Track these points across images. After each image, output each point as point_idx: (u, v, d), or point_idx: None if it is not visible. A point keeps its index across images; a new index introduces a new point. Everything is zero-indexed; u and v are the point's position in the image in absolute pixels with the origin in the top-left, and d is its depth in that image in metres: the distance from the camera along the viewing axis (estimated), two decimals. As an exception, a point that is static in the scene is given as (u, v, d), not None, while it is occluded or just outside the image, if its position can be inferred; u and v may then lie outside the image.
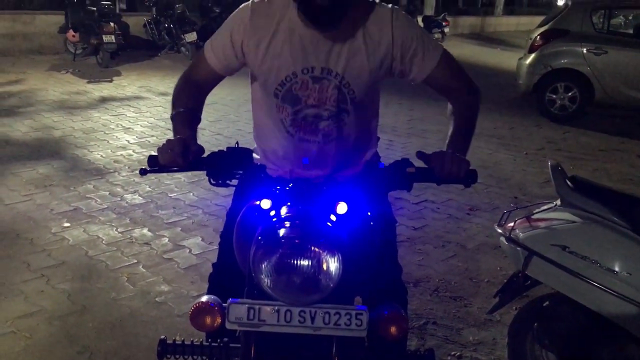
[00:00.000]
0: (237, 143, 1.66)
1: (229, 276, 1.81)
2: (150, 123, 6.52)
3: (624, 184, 5.33)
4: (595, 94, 7.71)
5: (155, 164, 1.56)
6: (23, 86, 8.06)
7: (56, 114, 6.66)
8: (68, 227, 3.80)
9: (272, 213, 1.44)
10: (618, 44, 7.79)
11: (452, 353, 2.70)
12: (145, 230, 3.82)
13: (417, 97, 7.90)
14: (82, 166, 4.98)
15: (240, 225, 1.63)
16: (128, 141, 5.79)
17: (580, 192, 2.28)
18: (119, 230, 3.80)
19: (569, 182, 2.31)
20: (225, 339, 1.56)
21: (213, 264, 2.02)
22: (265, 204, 1.46)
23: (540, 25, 8.63)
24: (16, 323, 2.74)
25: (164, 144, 1.55)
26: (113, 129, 6.21)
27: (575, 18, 7.99)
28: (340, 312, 1.36)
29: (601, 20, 8.93)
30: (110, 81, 8.87)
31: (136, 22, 12.29)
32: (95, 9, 9.97)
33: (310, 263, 1.32)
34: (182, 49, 11.52)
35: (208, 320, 1.42)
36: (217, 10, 12.91)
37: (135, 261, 3.41)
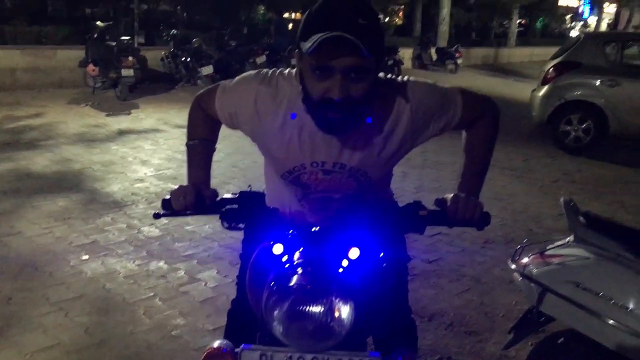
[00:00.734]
0: (249, 187, 1.69)
1: (244, 318, 1.80)
2: (168, 155, 6.63)
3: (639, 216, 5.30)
4: (610, 125, 7.72)
5: (169, 208, 1.59)
6: (43, 119, 8.24)
7: (76, 146, 6.80)
8: (86, 259, 3.86)
9: (285, 258, 1.44)
10: (631, 76, 7.82)
11: (467, 389, 2.69)
12: (161, 263, 3.87)
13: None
14: (101, 199, 5.07)
15: (253, 269, 1.64)
16: (145, 174, 5.88)
17: (593, 229, 2.30)
18: (136, 262, 3.86)
19: (581, 219, 2.33)
20: None
21: (232, 301, 2.03)
22: (278, 249, 1.46)
23: (553, 58, 8.70)
24: (35, 356, 2.78)
25: (176, 190, 1.58)
26: (131, 161, 6.32)
27: (588, 50, 8.05)
28: (354, 358, 1.35)
29: (614, 52, 8.97)
30: (129, 114, 9.04)
31: (154, 56, 12.55)
32: (114, 43, 10.20)
33: (322, 310, 1.31)
34: (199, 81, 11.72)
35: None
36: (233, 44, 13.16)
37: (152, 294, 3.45)
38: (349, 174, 1.65)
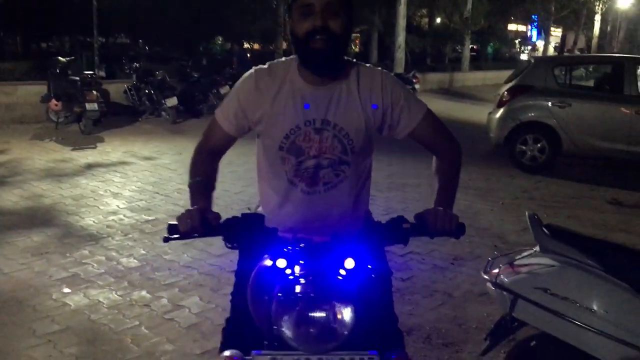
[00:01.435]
0: (248, 209, 1.85)
1: (243, 330, 1.95)
2: (138, 187, 6.68)
3: (595, 229, 5.61)
4: (563, 144, 8.14)
5: (175, 232, 1.72)
6: (8, 156, 8.18)
7: (44, 182, 6.79)
8: (68, 292, 3.90)
9: (288, 271, 1.60)
10: (580, 97, 8.30)
11: (449, 396, 2.85)
12: (144, 292, 3.94)
13: (394, 153, 8.19)
14: (76, 232, 5.10)
15: (255, 284, 1.80)
16: (118, 206, 5.93)
17: (556, 239, 2.51)
18: (118, 293, 3.92)
19: (545, 230, 2.55)
20: None
21: (226, 319, 2.16)
22: (281, 263, 1.61)
23: (507, 81, 9.14)
24: (28, 388, 2.82)
25: (183, 214, 1.72)
26: (102, 194, 6.35)
27: (538, 74, 8.50)
28: (355, 357, 1.50)
29: (563, 74, 9.47)
30: (95, 147, 9.04)
31: (116, 89, 12.57)
32: (78, 78, 10.21)
33: (326, 314, 1.49)
34: (163, 113, 11.79)
35: None
36: (196, 76, 13.30)
37: (138, 323, 3.52)
38: (334, 133, 1.91)
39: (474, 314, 3.76)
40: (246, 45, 27.13)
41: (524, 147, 8.36)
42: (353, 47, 29.75)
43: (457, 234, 1.78)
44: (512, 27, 41.58)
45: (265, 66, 1.97)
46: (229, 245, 1.79)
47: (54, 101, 10.22)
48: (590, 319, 2.26)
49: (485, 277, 2.62)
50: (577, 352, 2.30)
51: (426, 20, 32.25)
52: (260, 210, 2.11)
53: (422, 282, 4.25)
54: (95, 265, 4.39)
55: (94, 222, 5.40)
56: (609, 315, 2.25)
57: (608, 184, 7.60)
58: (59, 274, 4.19)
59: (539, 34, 41.18)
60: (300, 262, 1.62)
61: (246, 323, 1.89)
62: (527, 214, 2.65)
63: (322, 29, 1.77)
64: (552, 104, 8.15)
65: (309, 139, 1.92)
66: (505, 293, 2.48)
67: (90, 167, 7.70)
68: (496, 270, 2.59)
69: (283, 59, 2.00)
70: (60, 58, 11.08)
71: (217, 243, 4.81)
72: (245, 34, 23.69)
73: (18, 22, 18.42)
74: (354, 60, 2.01)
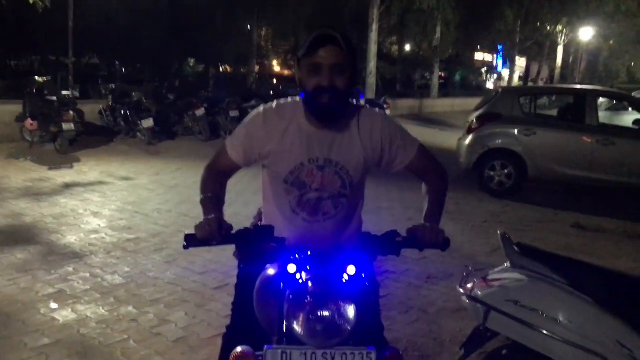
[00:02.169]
0: (259, 222, 2.04)
1: (247, 332, 2.13)
2: (118, 207, 6.77)
3: (560, 251, 5.89)
4: (528, 170, 8.50)
5: (192, 240, 1.91)
6: (-16, 174, 8.18)
7: (23, 200, 6.83)
8: (56, 308, 3.99)
9: (298, 276, 1.81)
10: (545, 126, 8.70)
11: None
12: (130, 308, 4.06)
13: (368, 179, 8.44)
14: (59, 250, 5.18)
15: (261, 290, 2.02)
16: (99, 225, 6.01)
17: (526, 256, 2.76)
18: (105, 309, 4.02)
19: (516, 248, 2.80)
20: None
21: (227, 326, 2.35)
22: (292, 268, 1.82)
23: (476, 109, 9.51)
24: (24, 397, 2.92)
25: (202, 223, 1.91)
26: (82, 213, 6.43)
27: (505, 103, 8.89)
28: (355, 352, 1.72)
29: (528, 104, 9.91)
30: (71, 167, 9.08)
31: (90, 110, 12.63)
32: (55, 98, 10.26)
33: (332, 313, 1.71)
34: (139, 134, 11.89)
35: None
36: (172, 97, 13.43)
37: (126, 337, 3.64)
38: (335, 170, 2.11)
39: (448, 328, 3.97)
40: (220, 69, 27.38)
41: (492, 173, 8.69)
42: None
43: (443, 247, 2.00)
44: (479, 56, 42.77)
45: (274, 106, 2.15)
46: (237, 256, 1.99)
47: (29, 120, 10.23)
48: (556, 328, 2.49)
49: (461, 290, 2.85)
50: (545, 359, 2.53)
51: (396, 47, 32.99)
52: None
53: (398, 299, 4.45)
54: (80, 281, 4.48)
55: (75, 240, 5.48)
56: (573, 325, 2.48)
57: (571, 209, 7.96)
58: (45, 290, 4.28)
59: (504, 63, 42.42)
60: (307, 267, 1.83)
61: (250, 325, 2.09)
62: (499, 233, 2.89)
63: (328, 87, 1.97)
64: (518, 131, 8.52)
65: (312, 174, 2.12)
66: (479, 305, 2.71)
67: (68, 186, 7.75)
68: (470, 285, 2.82)
69: (290, 99, 2.18)
70: (37, 78, 11.16)
71: (199, 261, 4.97)
72: (219, 56, 23.91)
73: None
74: (355, 102, 2.22)
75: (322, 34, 1.95)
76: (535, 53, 35.98)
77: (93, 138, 11.71)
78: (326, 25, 2.10)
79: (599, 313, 2.49)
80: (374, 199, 7.63)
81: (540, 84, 35.23)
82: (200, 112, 12.50)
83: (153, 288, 4.43)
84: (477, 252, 5.73)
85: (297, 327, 1.71)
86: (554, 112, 11.76)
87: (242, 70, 26.76)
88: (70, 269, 4.73)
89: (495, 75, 46.27)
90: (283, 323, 1.77)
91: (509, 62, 34.95)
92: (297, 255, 1.86)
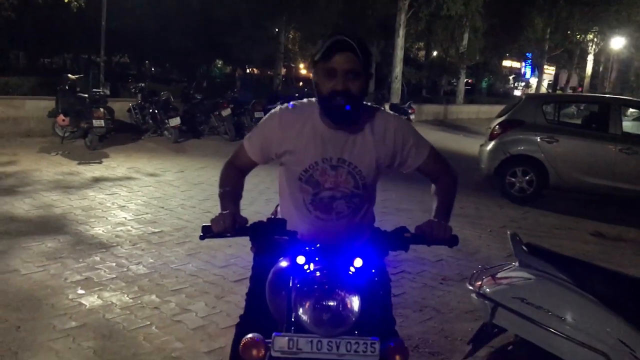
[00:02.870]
0: (273, 215, 2.16)
1: (260, 321, 2.24)
2: (144, 201, 6.98)
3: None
4: (550, 178, 8.50)
5: (208, 232, 2.02)
6: (17, 167, 8.47)
7: (54, 193, 7.08)
8: (83, 293, 4.18)
9: (306, 267, 1.90)
10: (568, 134, 8.68)
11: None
12: (153, 297, 4.22)
13: (390, 180, 8.54)
14: (87, 240, 5.38)
15: (273, 281, 2.11)
16: (125, 218, 6.22)
17: (534, 255, 2.86)
18: (129, 296, 4.20)
19: (524, 248, 2.89)
20: None
21: (240, 316, 2.46)
22: (301, 259, 1.91)
23: (499, 116, 9.54)
24: (52, 374, 3.09)
25: (217, 217, 2.02)
26: (109, 206, 6.64)
27: (529, 110, 8.90)
28: (359, 341, 1.79)
29: (552, 111, 9.89)
30: (100, 162, 9.34)
31: (120, 107, 12.92)
32: (86, 95, 10.56)
33: (337, 303, 1.79)
34: (166, 132, 12.15)
35: (255, 352, 1.83)
36: (199, 97, 13.67)
37: (149, 323, 3.80)
38: (348, 170, 2.20)
39: (460, 328, 4.06)
40: (248, 70, 27.69)
41: (513, 179, 8.72)
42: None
43: (450, 243, 2.05)
44: (506, 63, 42.46)
45: (290, 106, 2.25)
46: (253, 247, 2.12)
47: (61, 116, 10.55)
48: (561, 326, 2.58)
49: (470, 287, 2.95)
50: (550, 356, 2.61)
51: (423, 53, 32.96)
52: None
53: (413, 298, 4.55)
54: (106, 270, 4.67)
55: (103, 231, 5.69)
56: (577, 324, 2.57)
57: (591, 217, 7.96)
58: (73, 277, 4.47)
59: (532, 71, 42.07)
60: (316, 259, 1.94)
61: (262, 315, 2.20)
62: (508, 233, 2.99)
63: (343, 91, 2.05)
64: (540, 138, 8.54)
65: (325, 173, 2.22)
66: (487, 302, 2.81)
67: (97, 180, 8.00)
68: (479, 282, 2.92)
69: (306, 100, 2.28)
70: (70, 75, 11.44)
71: (220, 255, 5.13)
72: (246, 58, 24.18)
73: (26, 38, 18.78)
74: (369, 104, 2.30)
75: (339, 40, 2.03)
76: (565, 61, 35.63)
77: (122, 135, 12.00)
78: (343, 31, 2.18)
79: (603, 312, 2.57)
80: (394, 200, 7.73)
81: (569, 92, 34.87)
82: (226, 112, 12.71)
83: (175, 279, 4.60)
84: (494, 255, 5.79)
85: (303, 316, 1.79)
86: (579, 122, 11.71)
87: (268, 72, 27.03)
88: (97, 258, 4.92)
89: (523, 83, 45.91)
90: (291, 312, 1.85)
91: (537, 70, 34.66)
92: (306, 248, 1.97)
